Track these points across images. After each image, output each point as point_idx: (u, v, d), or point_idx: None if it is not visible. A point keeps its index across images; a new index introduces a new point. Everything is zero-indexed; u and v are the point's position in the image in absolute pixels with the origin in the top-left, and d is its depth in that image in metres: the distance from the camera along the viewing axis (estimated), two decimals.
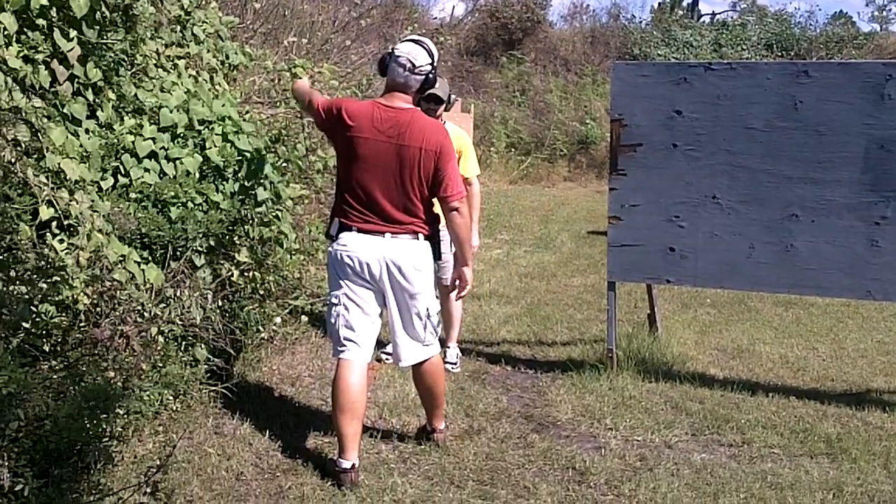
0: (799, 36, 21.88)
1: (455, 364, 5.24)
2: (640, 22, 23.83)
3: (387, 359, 5.01)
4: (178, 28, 4.88)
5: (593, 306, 7.13)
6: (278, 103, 5.81)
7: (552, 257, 9.51)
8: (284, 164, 5.16)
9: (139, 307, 3.30)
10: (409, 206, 3.59)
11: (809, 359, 5.79)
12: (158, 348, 3.70)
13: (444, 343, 5.36)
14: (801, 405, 4.77)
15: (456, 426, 4.30)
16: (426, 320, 3.71)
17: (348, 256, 3.58)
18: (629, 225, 4.95)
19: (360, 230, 3.59)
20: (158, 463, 2.87)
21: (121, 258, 3.30)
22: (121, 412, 3.31)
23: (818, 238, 4.61)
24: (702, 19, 26.07)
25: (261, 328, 4.72)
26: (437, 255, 3.76)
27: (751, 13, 24.46)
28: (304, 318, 5.22)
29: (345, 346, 3.63)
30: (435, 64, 3.67)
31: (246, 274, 4.58)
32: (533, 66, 20.89)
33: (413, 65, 3.59)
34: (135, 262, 3.36)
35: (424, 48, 3.64)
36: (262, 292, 4.71)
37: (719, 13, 27.29)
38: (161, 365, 3.69)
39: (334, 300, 3.66)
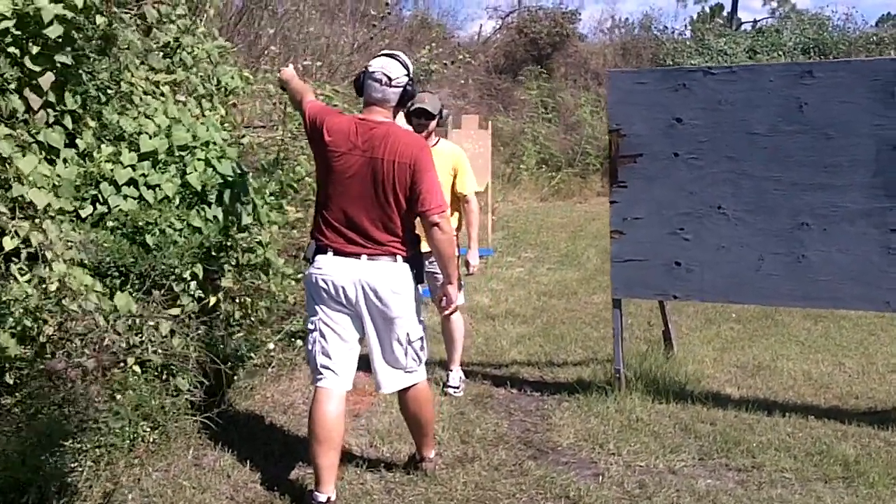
0: (837, 39, 21.37)
1: (458, 388, 5.07)
2: (673, 32, 23.54)
3: None
4: (166, 54, 4.83)
5: (611, 324, 6.88)
6: (276, 126, 5.73)
7: (575, 274, 9.29)
8: (280, 188, 5.08)
9: (101, 337, 3.20)
10: (388, 224, 3.45)
11: (834, 375, 5.50)
12: (130, 378, 3.61)
13: (446, 366, 5.22)
14: (820, 425, 4.51)
15: (450, 453, 4.13)
16: (407, 346, 3.56)
17: (323, 280, 3.46)
18: (632, 239, 4.74)
19: (335, 252, 3.46)
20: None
21: (83, 287, 3.21)
22: (87, 446, 3.23)
23: (830, 247, 4.35)
24: (742, 27, 25.66)
25: (252, 355, 4.61)
26: (419, 278, 3.61)
27: (787, 18, 24.01)
28: (300, 343, 5.10)
29: (322, 374, 3.50)
30: (411, 75, 3.55)
31: (236, 300, 4.49)
32: (563, 81, 20.71)
33: (388, 78, 3.47)
34: (97, 291, 3.26)
35: (398, 61, 3.52)
36: (253, 318, 4.61)
37: (760, 20, 26.80)
38: (134, 396, 3.60)
39: (311, 326, 3.53)
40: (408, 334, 3.54)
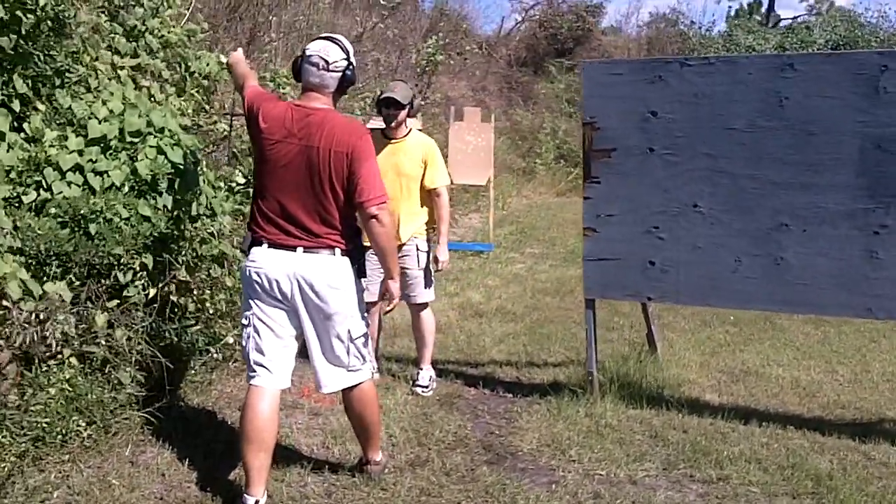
0: (869, 37, 20.83)
1: (426, 388, 4.91)
2: (700, 27, 23.13)
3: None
4: (132, 37, 4.71)
5: (603, 324, 6.63)
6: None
7: (577, 272, 8.98)
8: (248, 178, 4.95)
9: (23, 328, 3.09)
10: (325, 215, 3.29)
11: (824, 383, 5.26)
12: (66, 371, 3.50)
13: (416, 364, 5.07)
14: (798, 436, 4.29)
15: (403, 456, 3.97)
16: (349, 343, 3.40)
17: (257, 273, 3.31)
18: (605, 237, 4.54)
19: (270, 244, 3.31)
20: None
21: (6, 275, 3.09)
22: (7, 440, 3.12)
23: (810, 250, 4.13)
24: (779, 24, 25.10)
25: (210, 349, 4.49)
26: (360, 273, 3.45)
27: (818, 15, 23.47)
28: None
29: (255, 371, 3.35)
30: (352, 60, 3.38)
31: (193, 292, 4.37)
32: None
33: (326, 62, 3.31)
34: (19, 279, 3.14)
35: (337, 44, 3.36)
36: (210, 312, 4.48)
37: (798, 16, 26.19)
38: (67, 390, 3.48)
39: (245, 322, 3.39)
40: (349, 331, 3.38)
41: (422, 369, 5.00)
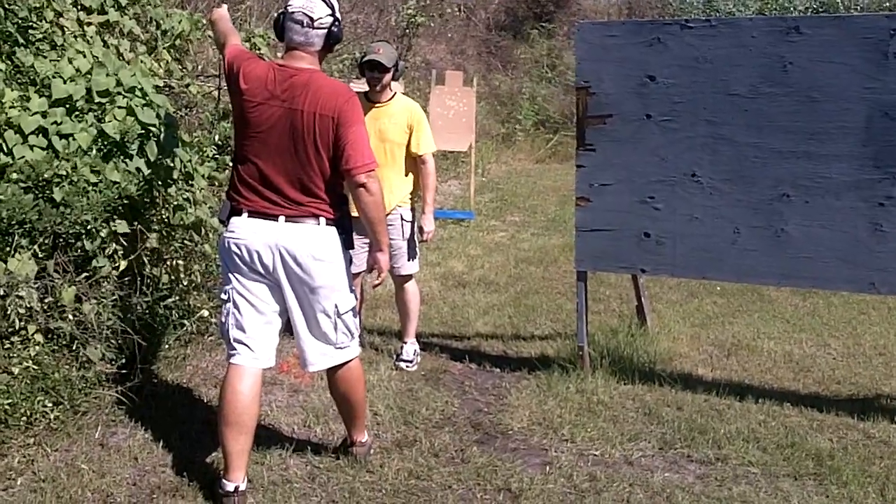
0: (848, 4, 20.67)
1: (411, 362, 4.73)
2: None
3: None
4: None
5: (590, 296, 6.45)
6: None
7: (559, 241, 8.88)
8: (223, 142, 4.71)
9: None
10: (309, 183, 3.08)
11: (817, 357, 5.14)
12: (31, 349, 3.28)
13: (400, 338, 4.89)
14: (796, 413, 4.17)
15: (389, 436, 3.81)
16: (336, 319, 3.20)
17: (236, 245, 3.09)
18: (599, 207, 4.36)
19: (251, 213, 3.10)
20: None
21: None
22: None
23: (813, 222, 3.97)
24: None
25: (185, 322, 4.27)
26: (348, 243, 3.24)
27: None
28: None
29: (235, 349, 3.15)
30: (337, 16, 3.15)
31: (166, 263, 4.14)
32: (566, 41, 20.11)
33: (311, 19, 3.07)
34: None
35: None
36: (185, 283, 4.26)
37: None
38: (35, 368, 3.26)
39: (224, 297, 3.18)
40: (336, 306, 3.18)
41: (406, 343, 4.82)
